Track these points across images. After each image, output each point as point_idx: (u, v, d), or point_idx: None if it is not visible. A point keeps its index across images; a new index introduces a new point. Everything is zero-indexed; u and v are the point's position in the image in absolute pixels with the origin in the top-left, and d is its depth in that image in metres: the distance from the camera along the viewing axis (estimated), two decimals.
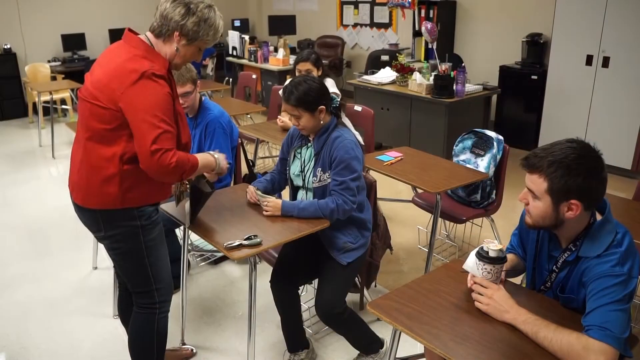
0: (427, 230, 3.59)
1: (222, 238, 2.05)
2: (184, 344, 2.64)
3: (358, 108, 3.88)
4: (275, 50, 7.03)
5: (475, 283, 1.62)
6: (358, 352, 2.45)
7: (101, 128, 1.80)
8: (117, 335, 2.72)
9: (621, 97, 4.70)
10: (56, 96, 6.97)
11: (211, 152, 2.10)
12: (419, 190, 3.12)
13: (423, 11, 6.24)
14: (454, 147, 3.29)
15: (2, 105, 7.33)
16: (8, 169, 5.43)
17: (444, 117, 4.64)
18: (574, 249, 1.56)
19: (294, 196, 2.43)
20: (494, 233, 3.27)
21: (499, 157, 3.06)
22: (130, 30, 1.89)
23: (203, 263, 3.43)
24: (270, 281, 2.35)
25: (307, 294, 2.80)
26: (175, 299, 2.32)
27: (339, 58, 7.62)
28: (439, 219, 2.93)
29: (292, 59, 6.45)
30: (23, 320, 2.89)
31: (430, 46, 4.98)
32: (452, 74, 4.61)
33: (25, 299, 3.09)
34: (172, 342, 2.54)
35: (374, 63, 6.25)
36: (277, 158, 2.53)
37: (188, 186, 2.12)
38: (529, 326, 1.46)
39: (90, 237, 3.38)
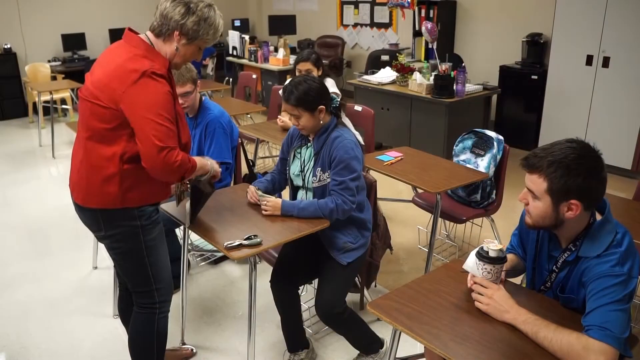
0: (427, 230, 3.59)
1: (222, 238, 2.05)
2: (184, 343, 2.64)
3: (358, 108, 3.88)
4: (276, 50, 7.03)
5: (475, 283, 1.62)
6: (358, 352, 2.45)
7: (101, 127, 1.80)
8: (117, 335, 2.72)
9: (621, 97, 4.70)
10: (56, 96, 6.97)
11: (204, 157, 2.12)
12: (419, 190, 3.12)
13: (423, 11, 6.24)
14: (454, 147, 3.29)
15: (2, 105, 7.33)
16: (8, 168, 5.43)
17: (444, 117, 4.64)
18: (573, 249, 1.56)
19: (293, 196, 2.43)
20: (494, 233, 3.27)
21: (499, 157, 3.06)
22: (130, 29, 1.90)
23: (203, 263, 3.43)
24: (270, 281, 2.35)
25: (307, 294, 2.80)
26: (175, 299, 2.32)
27: (339, 58, 7.62)
28: (439, 219, 2.93)
29: (292, 59, 6.45)
30: (23, 320, 2.89)
31: (430, 46, 4.98)
32: (452, 74, 4.61)
33: (25, 298, 3.09)
34: (172, 342, 2.54)
35: (374, 63, 6.25)
36: (277, 158, 2.53)
37: (189, 186, 2.12)
38: (529, 326, 1.46)
39: (91, 237, 3.38)
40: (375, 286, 3.05)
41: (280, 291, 2.35)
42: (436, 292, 1.69)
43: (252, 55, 7.01)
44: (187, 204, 2.14)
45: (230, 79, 7.56)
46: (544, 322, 1.45)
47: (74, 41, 7.64)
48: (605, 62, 4.74)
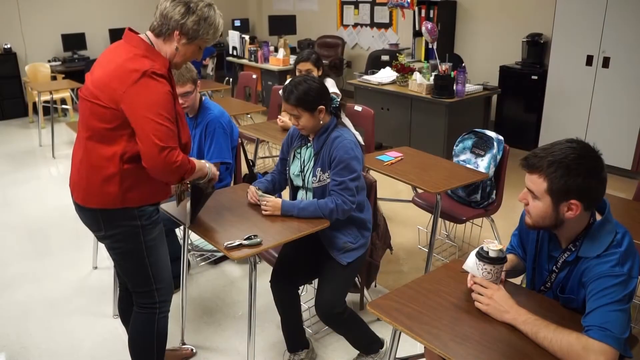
0: (427, 230, 3.59)
1: (222, 238, 2.05)
2: (184, 343, 2.64)
3: (358, 108, 3.89)
4: (276, 50, 7.03)
5: (475, 283, 1.62)
6: (358, 352, 2.45)
7: (102, 127, 1.80)
8: (117, 335, 2.72)
9: (621, 97, 4.70)
10: (56, 96, 6.97)
11: (203, 161, 2.13)
12: (419, 190, 3.12)
13: (423, 11, 6.24)
14: (454, 147, 3.29)
15: (2, 104, 7.33)
16: (8, 168, 5.43)
17: (444, 117, 4.64)
18: (573, 249, 1.56)
19: (293, 196, 2.43)
20: (494, 233, 3.27)
21: (499, 157, 3.06)
22: (130, 29, 1.90)
23: (203, 263, 3.43)
24: (270, 281, 2.35)
25: (307, 294, 2.80)
26: (175, 299, 2.32)
27: (339, 58, 7.62)
28: (439, 219, 2.93)
29: (292, 59, 6.45)
30: (23, 320, 2.89)
31: (430, 46, 4.98)
32: (452, 74, 4.61)
33: (25, 298, 3.09)
34: (172, 342, 2.54)
35: (374, 63, 6.25)
36: (277, 158, 2.53)
37: (189, 185, 2.12)
38: (528, 326, 1.46)
39: (91, 237, 3.38)
40: (375, 286, 3.05)
41: (280, 291, 2.35)
42: (436, 292, 1.69)
43: (252, 55, 7.01)
44: (188, 204, 2.14)
45: (230, 79, 7.56)
46: (543, 322, 1.45)
47: (74, 41, 7.64)
48: (605, 62, 4.74)
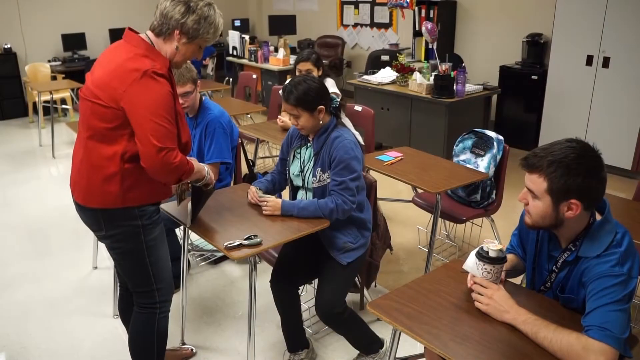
0: (427, 230, 3.59)
1: (222, 238, 2.05)
2: (184, 343, 2.65)
3: (358, 108, 3.89)
4: (276, 50, 7.03)
5: (475, 283, 1.62)
6: (358, 352, 2.45)
7: (102, 127, 1.80)
8: (117, 335, 2.72)
9: (621, 97, 4.70)
10: (56, 96, 6.97)
11: (203, 164, 2.13)
12: (419, 190, 3.12)
13: (423, 11, 6.25)
14: (454, 147, 3.29)
15: (2, 104, 7.33)
16: (8, 168, 5.43)
17: (444, 117, 4.64)
18: (573, 249, 1.56)
19: (293, 196, 2.43)
20: (494, 233, 3.27)
21: (499, 157, 3.07)
22: (130, 29, 1.90)
23: (203, 263, 3.43)
24: (270, 281, 2.35)
25: (307, 294, 2.80)
26: (175, 298, 2.32)
27: (339, 58, 7.62)
28: (439, 219, 2.93)
29: (292, 59, 6.45)
30: (23, 320, 2.89)
31: (430, 46, 4.98)
32: (452, 74, 4.61)
33: (25, 298, 3.09)
34: (172, 342, 2.54)
35: (374, 63, 6.25)
36: (277, 158, 2.53)
37: (190, 185, 2.12)
38: (528, 326, 1.46)
39: (91, 237, 3.38)
40: (375, 286, 3.05)
41: (280, 291, 2.35)
42: (436, 292, 1.69)
43: (252, 55, 7.01)
44: (189, 204, 2.14)
45: (230, 79, 7.56)
46: (543, 322, 1.45)
47: (74, 41, 7.64)
48: (605, 62, 4.74)
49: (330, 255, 2.27)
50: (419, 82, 4.81)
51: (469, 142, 3.22)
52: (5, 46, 7.21)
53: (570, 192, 1.46)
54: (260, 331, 2.70)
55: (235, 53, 7.50)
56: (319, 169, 2.25)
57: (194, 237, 3.30)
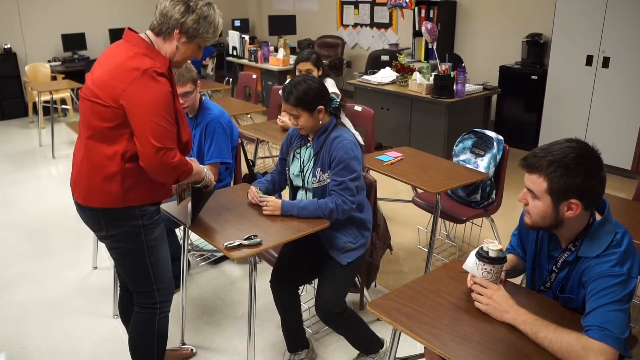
0: (427, 230, 3.59)
1: (222, 238, 2.05)
2: (184, 343, 2.65)
3: (358, 108, 3.89)
4: (276, 50, 7.03)
5: (475, 283, 1.62)
6: (358, 352, 2.45)
7: (102, 126, 1.80)
8: (117, 335, 2.72)
9: (621, 97, 4.70)
10: (56, 96, 6.97)
11: (202, 166, 2.13)
12: (419, 190, 3.12)
13: (423, 11, 6.25)
14: (454, 147, 3.29)
15: (2, 105, 7.33)
16: (8, 168, 5.43)
17: (444, 117, 4.64)
18: (573, 249, 1.56)
19: (293, 196, 2.43)
20: (494, 233, 3.27)
21: (499, 157, 3.07)
22: (130, 29, 1.90)
23: (203, 263, 3.43)
24: (270, 281, 2.35)
25: (307, 294, 2.80)
26: (175, 299, 2.32)
27: (339, 58, 7.62)
28: (439, 219, 2.93)
29: (292, 59, 6.45)
30: (23, 320, 2.89)
31: (430, 46, 4.98)
32: (452, 74, 4.61)
33: (25, 298, 3.09)
34: (172, 342, 2.54)
35: (374, 63, 6.25)
36: (277, 158, 2.53)
37: (190, 185, 2.12)
38: (528, 326, 1.46)
39: (91, 237, 3.38)
40: (375, 286, 3.05)
41: (280, 291, 2.35)
42: (436, 292, 1.69)
43: (252, 55, 7.01)
44: (189, 204, 2.14)
45: (230, 79, 7.57)
46: (543, 322, 1.45)
47: (74, 41, 7.64)
48: (605, 62, 4.74)
49: (330, 255, 2.27)
50: (419, 82, 4.81)
51: (468, 142, 3.22)
52: (5, 46, 7.21)
53: (570, 192, 1.46)
54: (260, 331, 2.70)
55: (235, 53, 7.50)
56: (319, 169, 2.25)
57: (194, 237, 3.30)
